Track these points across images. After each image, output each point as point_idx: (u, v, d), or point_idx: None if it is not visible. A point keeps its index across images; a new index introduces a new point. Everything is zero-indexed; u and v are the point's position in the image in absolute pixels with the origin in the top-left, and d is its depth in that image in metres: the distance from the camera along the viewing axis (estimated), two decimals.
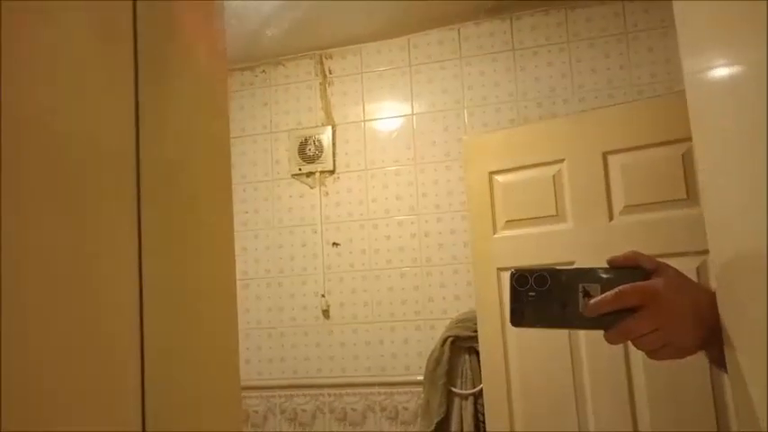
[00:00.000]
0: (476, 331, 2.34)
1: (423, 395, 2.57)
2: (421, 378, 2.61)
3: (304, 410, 2.82)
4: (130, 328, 0.49)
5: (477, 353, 2.36)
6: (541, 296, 0.72)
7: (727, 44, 0.65)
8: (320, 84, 3.01)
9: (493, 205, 2.28)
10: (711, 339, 0.68)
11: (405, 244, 2.80)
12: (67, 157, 0.46)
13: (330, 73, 3.00)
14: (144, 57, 0.53)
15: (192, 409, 0.55)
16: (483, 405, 2.31)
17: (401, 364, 2.74)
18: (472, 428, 2.41)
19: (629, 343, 0.72)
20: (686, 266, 1.78)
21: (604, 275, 0.72)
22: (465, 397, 2.47)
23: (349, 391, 2.78)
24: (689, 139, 0.71)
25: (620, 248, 0.76)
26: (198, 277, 0.58)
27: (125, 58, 0.52)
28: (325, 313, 2.85)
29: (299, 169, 2.96)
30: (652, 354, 0.72)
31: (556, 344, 2.10)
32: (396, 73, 2.92)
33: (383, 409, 2.73)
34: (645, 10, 2.62)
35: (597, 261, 0.75)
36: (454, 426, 2.45)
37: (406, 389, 2.70)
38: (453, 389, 2.50)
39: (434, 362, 2.54)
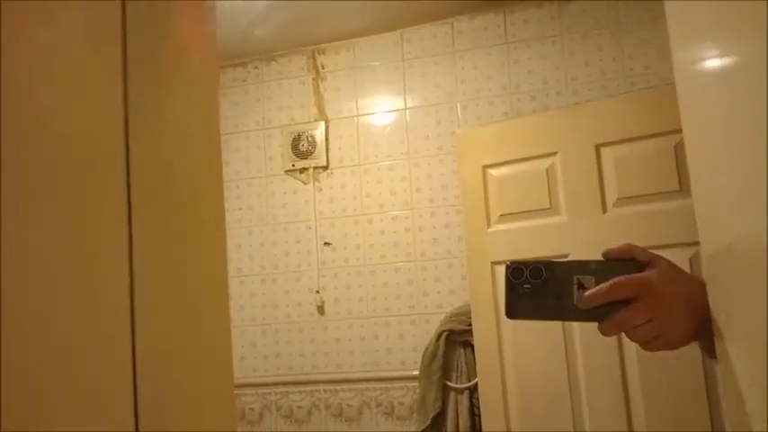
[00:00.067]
0: (470, 325, 2.35)
1: (418, 390, 2.58)
2: (416, 373, 2.62)
3: (300, 407, 2.82)
4: (122, 326, 0.49)
5: (473, 347, 2.37)
6: (536, 288, 0.73)
7: (719, 35, 0.64)
8: (313, 79, 3.00)
9: (487, 199, 2.28)
10: (704, 330, 0.69)
11: (399, 239, 2.80)
12: (61, 157, 0.45)
13: (323, 68, 3.00)
14: (134, 57, 0.53)
15: (185, 408, 0.55)
16: (478, 399, 2.31)
17: (396, 359, 2.75)
18: (468, 422, 2.42)
19: (624, 337, 0.72)
20: (679, 257, 1.79)
21: (599, 268, 0.72)
22: (460, 391, 2.47)
23: (345, 386, 2.79)
24: (681, 130, 0.72)
25: (613, 241, 0.77)
26: (190, 276, 0.58)
27: (114, 58, 0.52)
28: (320, 309, 2.85)
29: (293, 165, 2.96)
30: (646, 345, 0.72)
31: (551, 336, 2.10)
32: (389, 67, 2.91)
33: (379, 405, 2.73)
34: (638, 1, 2.62)
35: (591, 253, 0.75)
36: (450, 420, 2.45)
37: (402, 384, 2.71)
38: (449, 383, 2.51)
39: (430, 356, 2.54)
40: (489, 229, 2.27)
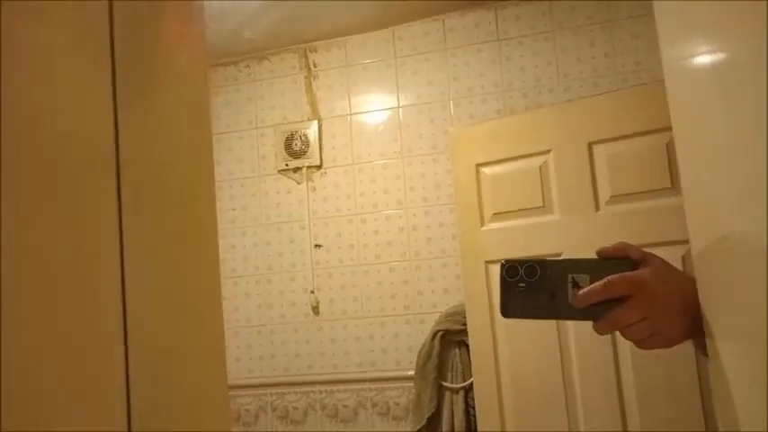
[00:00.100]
0: (465, 324, 2.35)
1: (414, 390, 2.58)
2: (412, 373, 2.62)
3: (295, 408, 2.82)
4: (115, 327, 0.49)
5: (468, 346, 2.37)
6: (531, 287, 0.73)
7: (708, 31, 0.64)
8: (305, 78, 2.99)
9: (480, 198, 2.28)
10: (698, 328, 0.69)
11: (393, 238, 2.80)
12: (53, 158, 0.45)
13: (315, 67, 2.99)
14: (121, 57, 0.52)
15: (179, 409, 0.55)
16: (474, 398, 2.31)
17: (392, 359, 2.75)
18: (463, 422, 2.42)
19: (618, 336, 0.73)
20: (672, 255, 1.78)
21: (593, 266, 0.73)
22: (456, 391, 2.47)
23: (340, 387, 2.78)
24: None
25: (606, 239, 0.77)
26: (183, 276, 0.58)
27: (102, 58, 0.51)
28: (315, 309, 2.85)
29: (286, 165, 2.95)
30: (640, 343, 0.73)
31: (545, 336, 2.10)
32: (381, 65, 2.91)
33: (374, 405, 2.73)
34: None
35: (584, 252, 0.75)
36: (445, 420, 2.45)
37: (397, 384, 2.71)
38: (444, 383, 2.51)
39: (425, 356, 2.54)
40: (483, 228, 2.27)
